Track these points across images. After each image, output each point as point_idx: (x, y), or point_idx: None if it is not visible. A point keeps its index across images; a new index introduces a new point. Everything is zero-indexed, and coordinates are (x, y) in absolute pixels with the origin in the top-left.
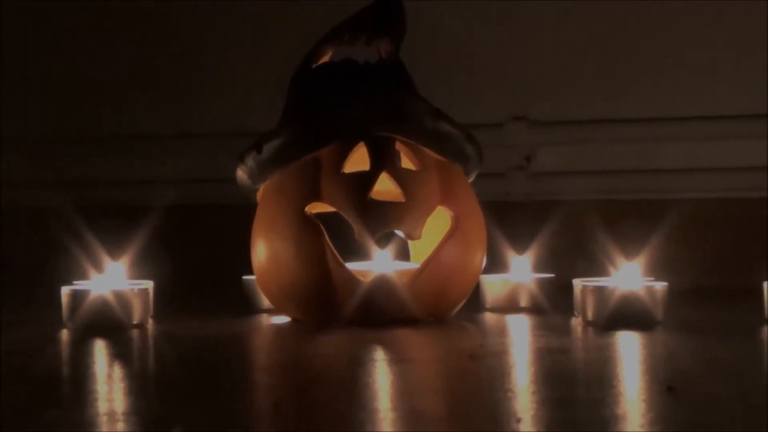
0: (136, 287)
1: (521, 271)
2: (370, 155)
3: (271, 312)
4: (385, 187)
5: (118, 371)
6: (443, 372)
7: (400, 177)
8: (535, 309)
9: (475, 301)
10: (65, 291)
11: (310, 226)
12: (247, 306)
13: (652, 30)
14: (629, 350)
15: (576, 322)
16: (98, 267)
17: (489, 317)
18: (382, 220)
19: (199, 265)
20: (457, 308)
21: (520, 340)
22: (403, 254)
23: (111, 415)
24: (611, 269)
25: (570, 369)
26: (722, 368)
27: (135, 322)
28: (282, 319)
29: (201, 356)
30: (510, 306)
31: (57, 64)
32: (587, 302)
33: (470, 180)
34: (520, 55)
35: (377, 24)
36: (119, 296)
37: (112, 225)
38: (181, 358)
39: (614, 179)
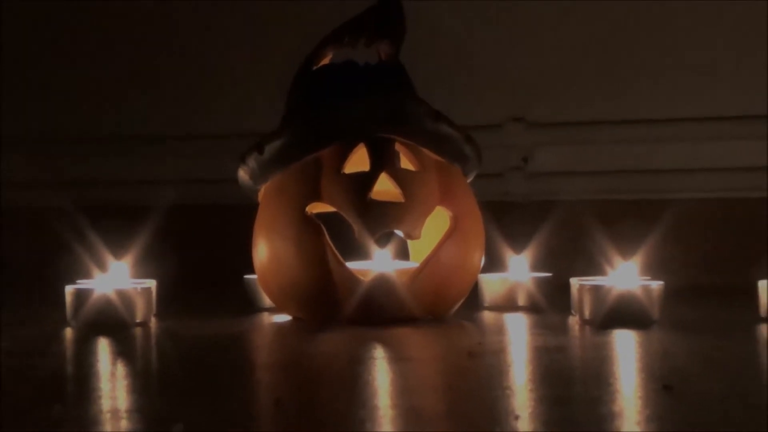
0: (139, 286)
1: (519, 270)
2: (370, 156)
3: (272, 311)
4: (384, 187)
5: (121, 369)
6: (442, 370)
7: (400, 177)
8: (532, 308)
9: (473, 299)
10: (69, 290)
11: (310, 226)
12: (248, 305)
13: (649, 32)
14: (626, 348)
15: (573, 321)
16: (102, 266)
17: (487, 316)
18: (381, 220)
19: (201, 264)
20: (456, 307)
21: (518, 339)
22: (403, 254)
23: (114, 412)
24: (608, 268)
25: (567, 367)
26: (718, 366)
27: (138, 321)
28: (283, 318)
29: (203, 354)
30: (508, 305)
31: (59, 65)
32: (584, 301)
33: (469, 180)
34: (519, 57)
35: (377, 26)
36: (122, 295)
37: (115, 225)
38: (184, 356)
39: (610, 180)
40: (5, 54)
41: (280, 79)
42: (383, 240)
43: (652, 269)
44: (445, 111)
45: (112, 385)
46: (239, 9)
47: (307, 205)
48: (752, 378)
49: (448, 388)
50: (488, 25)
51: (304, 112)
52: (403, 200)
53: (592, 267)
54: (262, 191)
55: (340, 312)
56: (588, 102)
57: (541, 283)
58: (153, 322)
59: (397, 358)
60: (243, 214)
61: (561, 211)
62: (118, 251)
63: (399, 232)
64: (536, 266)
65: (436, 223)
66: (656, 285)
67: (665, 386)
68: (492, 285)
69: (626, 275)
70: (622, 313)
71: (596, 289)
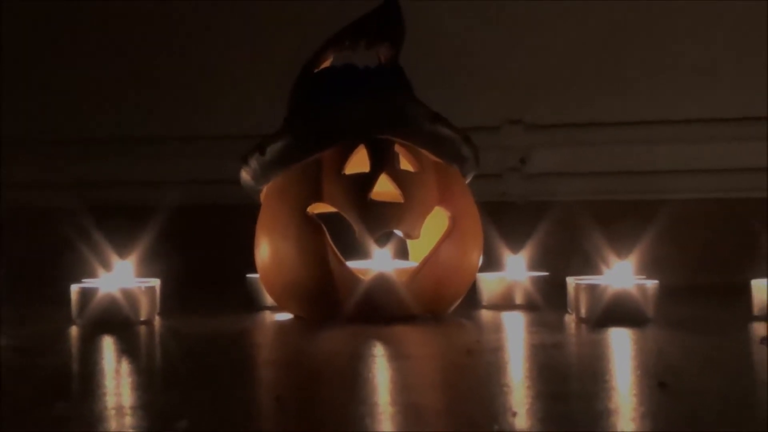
0: (143, 285)
1: (516, 269)
2: (370, 157)
3: (273, 309)
4: (384, 188)
5: (125, 366)
6: (441, 367)
7: (399, 178)
8: (530, 306)
9: (471, 298)
10: (74, 289)
11: (311, 226)
12: (250, 303)
13: (646, 35)
14: (621, 346)
15: (569, 319)
16: (106, 265)
17: (485, 314)
18: (381, 220)
19: (204, 263)
20: (455, 305)
21: (515, 337)
22: (402, 253)
23: (119, 409)
24: (604, 268)
25: (564, 364)
26: (712, 364)
27: (142, 319)
28: (284, 316)
29: (206, 352)
30: (506, 303)
31: (62, 67)
32: (580, 300)
33: (467, 181)
34: (517, 59)
35: (377, 29)
36: (127, 294)
37: (120, 224)
38: (187, 353)
39: (606, 180)
40: (9, 55)
41: (282, 81)
42: (383, 240)
43: (648, 269)
44: (443, 113)
45: (117, 382)
46: (241, 11)
47: (308, 206)
48: (745, 375)
49: (447, 385)
50: (486, 29)
51: (306, 113)
52: (402, 201)
53: (588, 266)
54: (264, 192)
55: (341, 310)
56: (584, 104)
57: (538, 282)
58: (157, 320)
59: (397, 356)
60: (245, 214)
61: (558, 211)
62: (122, 251)
63: (398, 232)
64: (533, 265)
65: (435, 223)
66: (651, 284)
67: (660, 383)
68: (490, 284)
69: (622, 274)
70: (618, 312)
71: (592, 288)
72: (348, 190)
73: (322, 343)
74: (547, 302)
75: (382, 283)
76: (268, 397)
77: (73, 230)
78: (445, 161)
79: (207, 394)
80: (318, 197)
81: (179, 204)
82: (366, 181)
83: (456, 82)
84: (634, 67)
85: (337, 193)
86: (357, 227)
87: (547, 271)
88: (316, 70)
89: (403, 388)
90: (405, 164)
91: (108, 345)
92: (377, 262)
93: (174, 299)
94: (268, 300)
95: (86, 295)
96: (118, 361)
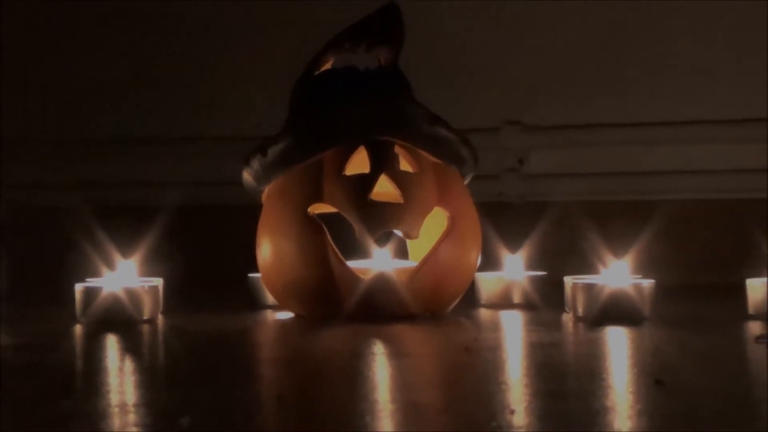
0: (146, 284)
1: (514, 269)
2: (370, 158)
3: (275, 308)
4: (384, 188)
5: (129, 364)
6: (440, 365)
7: (399, 179)
8: (527, 305)
9: (470, 297)
10: (79, 288)
11: (312, 226)
12: (252, 302)
13: (642, 38)
14: (618, 345)
15: (567, 318)
16: (110, 265)
17: (484, 313)
18: (381, 220)
19: (207, 263)
20: (453, 304)
21: (513, 335)
22: (402, 253)
23: (122, 406)
24: (601, 267)
25: (561, 363)
26: (707, 362)
27: (145, 318)
28: (286, 315)
29: (208, 350)
30: (504, 302)
31: (67, 70)
32: (578, 299)
33: (466, 182)
34: (515, 62)
35: (377, 33)
36: (130, 293)
37: (124, 225)
38: (190, 352)
39: (603, 181)
40: (13, 57)
41: (284, 82)
42: (383, 239)
43: (644, 268)
44: (442, 114)
45: (121, 380)
46: (242, 11)
47: (309, 206)
48: (741, 373)
49: (446, 383)
50: (485, 32)
51: (307, 115)
52: (402, 201)
53: (585, 266)
54: (266, 192)
55: (341, 309)
56: (582, 106)
57: (535, 281)
58: (160, 319)
59: (397, 354)
60: (247, 214)
61: (555, 211)
62: (126, 250)
63: (398, 232)
64: (531, 265)
65: (434, 223)
66: (647, 283)
67: (656, 381)
68: (488, 283)
69: (618, 274)
70: (614, 311)
71: (589, 287)
72: (348, 190)
73: (323, 341)
74: (544, 301)
75: (382, 282)
76: (270, 395)
77: (77, 230)
78: (444, 162)
79: (209, 392)
80: (319, 198)
81: (182, 204)
82: (366, 182)
83: (455, 83)
84: (630, 69)
85: (338, 193)
86: (357, 227)
87: (544, 270)
88: (317, 72)
89: (402, 385)
90: (405, 165)
91: (111, 343)
92: (377, 262)
93: (177, 298)
94: (270, 299)
95: (90, 294)
96: (122, 359)
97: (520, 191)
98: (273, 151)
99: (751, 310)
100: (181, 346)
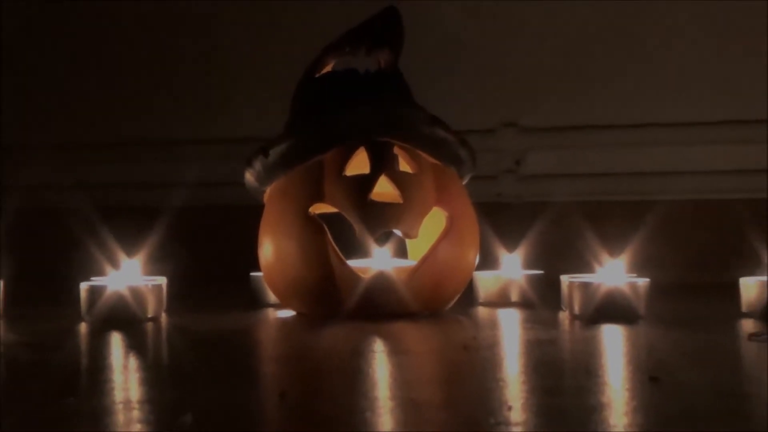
0: (150, 283)
1: (512, 267)
2: (370, 159)
3: (277, 306)
4: (384, 189)
5: (133, 362)
6: (439, 362)
7: (398, 180)
8: (525, 303)
9: (468, 296)
10: (84, 287)
11: (313, 226)
12: (254, 301)
13: (639, 40)
14: (613, 342)
15: (563, 316)
16: (115, 264)
17: (482, 311)
18: (381, 220)
19: (210, 262)
20: (452, 303)
21: (510, 333)
22: (401, 252)
23: (126, 403)
24: (596, 266)
25: (558, 360)
26: (701, 359)
27: (149, 316)
28: (287, 313)
29: (211, 348)
30: (501, 301)
31: (74, 74)
32: (574, 297)
33: (464, 182)
34: (512, 65)
35: (377, 36)
36: (134, 291)
37: (128, 225)
38: (193, 349)
39: (599, 181)
40: (17, 59)
41: (286, 85)
42: (382, 239)
43: (639, 267)
44: (441, 116)
45: (125, 377)
46: (248, 17)
47: (310, 206)
48: (734, 370)
49: (445, 380)
50: (481, 36)
51: (308, 117)
52: (401, 201)
53: (582, 265)
54: (268, 193)
55: (342, 307)
56: (578, 107)
57: (532, 280)
58: (163, 317)
59: (396, 352)
60: (249, 214)
61: (552, 211)
62: (130, 250)
63: (398, 232)
64: (528, 264)
65: (433, 222)
66: (642, 282)
67: (651, 378)
68: (486, 282)
69: (614, 273)
70: (610, 309)
71: (585, 286)
72: (349, 191)
73: (324, 339)
74: (541, 300)
75: (381, 281)
76: (272, 392)
77: (83, 230)
78: (442, 163)
79: (212, 389)
80: (320, 198)
81: (185, 205)
82: (366, 183)
83: (452, 86)
84: (626, 71)
85: (338, 193)
86: (357, 227)
87: (541, 269)
88: (317, 75)
89: (402, 382)
90: (404, 166)
91: (116, 341)
92: (377, 261)
93: (180, 297)
94: (272, 298)
95: (95, 292)
96: (126, 357)
97: (517, 192)
98: (275, 153)
99: (744, 308)
100: (184, 343)
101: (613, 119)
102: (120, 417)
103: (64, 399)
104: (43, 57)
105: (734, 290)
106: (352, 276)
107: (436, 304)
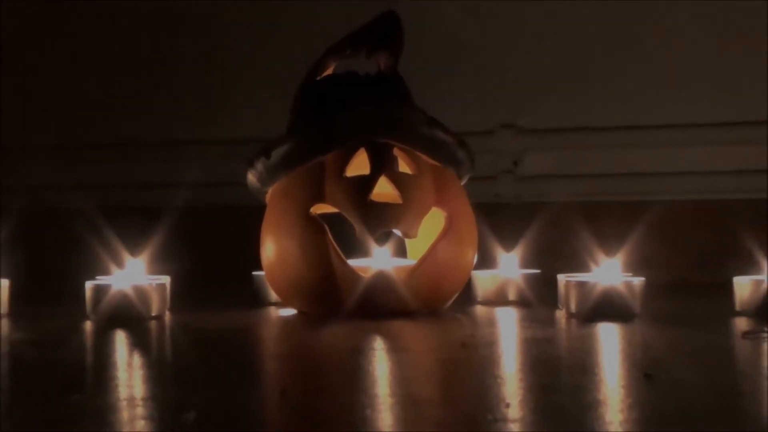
0: (154, 282)
1: (509, 267)
2: (370, 160)
3: (278, 305)
4: (383, 189)
5: (137, 360)
6: (438, 360)
7: (398, 180)
8: (522, 302)
9: (466, 294)
10: (89, 285)
11: (314, 226)
12: (256, 299)
13: (637, 41)
14: (609, 340)
15: (560, 315)
16: (119, 263)
17: (480, 310)
18: (381, 220)
19: (213, 261)
20: (451, 301)
21: (508, 331)
22: (401, 252)
23: (130, 400)
24: (593, 265)
25: (554, 357)
26: (695, 357)
27: (153, 315)
28: (288, 312)
29: (214, 346)
30: (499, 299)
31: (76, 75)
32: (570, 296)
33: (463, 183)
34: (510, 66)
35: (377, 39)
36: (138, 290)
37: (132, 224)
38: (196, 347)
39: (595, 182)
40: (17, 60)
41: (288, 87)
42: (382, 239)
43: (635, 266)
44: (439, 118)
45: (129, 374)
46: (250, 18)
47: (311, 206)
48: (728, 368)
49: (444, 377)
50: (479, 38)
51: (309, 119)
52: (401, 202)
53: (578, 264)
54: (269, 193)
55: (342, 306)
56: (575, 108)
57: (530, 279)
58: (167, 315)
59: (396, 350)
60: (251, 214)
61: (549, 211)
62: (134, 249)
63: (397, 232)
64: (525, 263)
65: (432, 223)
66: (638, 281)
67: (646, 375)
68: (484, 281)
69: (610, 272)
70: (606, 308)
71: (582, 285)
72: (349, 191)
73: (325, 337)
74: (538, 298)
75: (381, 280)
76: (273, 389)
77: (88, 230)
78: (441, 164)
79: (215, 386)
80: (320, 198)
81: (188, 205)
82: (366, 183)
83: (452, 87)
84: (625, 72)
85: (339, 194)
86: (357, 227)
87: (538, 268)
88: (318, 78)
89: (401, 380)
90: (403, 167)
91: (120, 339)
92: (377, 260)
93: (183, 296)
94: (273, 296)
95: (100, 291)
96: (130, 355)
97: (515, 192)
98: (276, 154)
99: (738, 306)
100: (187, 341)
101: (612, 120)
102: (124, 414)
103: (69, 396)
104: (43, 57)
105: (728, 289)
106: (353, 275)
107: (435, 303)
